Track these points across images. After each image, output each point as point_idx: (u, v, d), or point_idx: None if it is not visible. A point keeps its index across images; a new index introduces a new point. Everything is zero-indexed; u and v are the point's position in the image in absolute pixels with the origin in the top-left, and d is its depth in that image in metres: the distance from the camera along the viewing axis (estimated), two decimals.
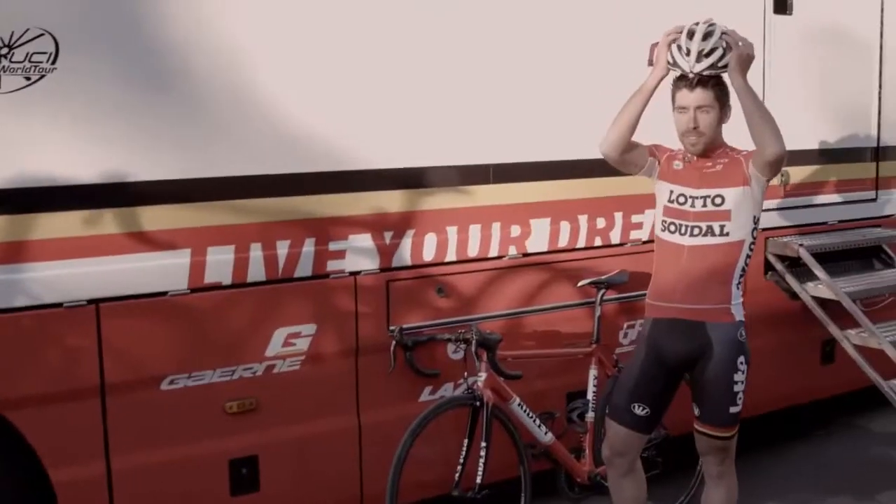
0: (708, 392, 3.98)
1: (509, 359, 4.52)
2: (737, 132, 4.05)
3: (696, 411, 4.04)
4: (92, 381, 3.82)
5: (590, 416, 4.81)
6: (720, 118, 3.96)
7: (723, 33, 3.93)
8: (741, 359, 3.94)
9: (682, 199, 3.98)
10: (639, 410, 4.05)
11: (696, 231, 3.93)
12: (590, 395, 4.81)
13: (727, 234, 3.90)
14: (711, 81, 3.93)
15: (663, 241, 4.05)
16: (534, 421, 4.57)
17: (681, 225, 3.97)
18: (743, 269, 3.97)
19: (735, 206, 3.90)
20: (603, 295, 4.88)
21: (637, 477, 4.22)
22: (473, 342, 4.31)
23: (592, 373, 4.82)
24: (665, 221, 4.04)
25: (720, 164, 3.95)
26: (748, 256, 3.97)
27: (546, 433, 4.62)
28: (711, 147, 3.97)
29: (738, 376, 3.93)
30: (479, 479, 4.24)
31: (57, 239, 3.71)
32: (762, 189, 3.97)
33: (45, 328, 3.73)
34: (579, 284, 4.90)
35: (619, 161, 4.11)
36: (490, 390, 4.34)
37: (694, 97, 3.92)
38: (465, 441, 4.30)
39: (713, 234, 3.91)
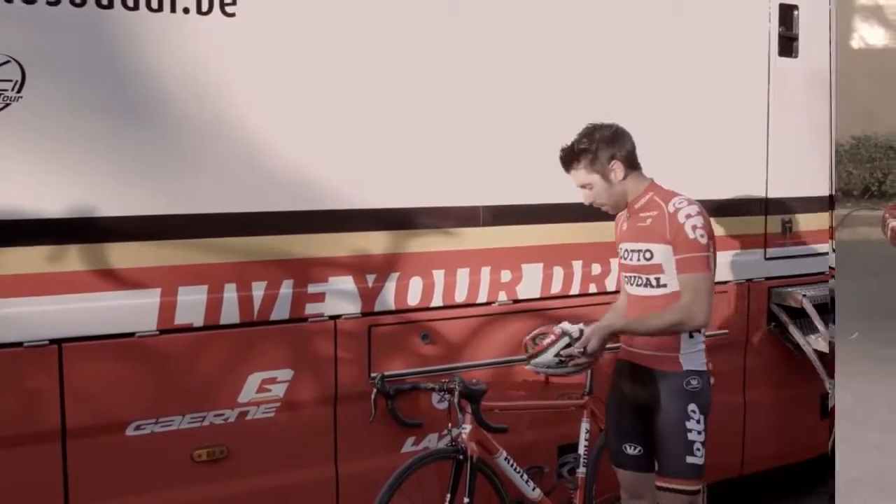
0: (661, 441, 3.87)
1: (496, 410, 4.36)
2: None
3: (656, 465, 3.92)
4: (52, 425, 3.67)
5: (581, 471, 4.60)
6: (609, 182, 3.88)
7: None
8: (692, 407, 3.81)
9: (626, 254, 4.00)
10: (631, 450, 3.99)
11: (638, 282, 3.93)
12: (581, 450, 4.62)
13: (665, 286, 3.84)
14: (574, 160, 3.89)
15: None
16: (521, 476, 4.39)
17: (629, 276, 3.99)
18: None
19: (665, 260, 3.81)
20: None
21: None
22: (456, 392, 4.14)
23: (584, 426, 4.64)
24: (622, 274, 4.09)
25: (650, 217, 3.87)
26: None
27: (534, 489, 4.43)
28: (632, 201, 3.91)
29: (693, 425, 3.81)
30: None
31: (19, 275, 3.56)
32: None
33: (4, 368, 3.57)
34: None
35: None
36: (475, 443, 4.18)
37: (573, 179, 3.95)
38: (448, 496, 4.13)
39: (651, 286, 3.88)
